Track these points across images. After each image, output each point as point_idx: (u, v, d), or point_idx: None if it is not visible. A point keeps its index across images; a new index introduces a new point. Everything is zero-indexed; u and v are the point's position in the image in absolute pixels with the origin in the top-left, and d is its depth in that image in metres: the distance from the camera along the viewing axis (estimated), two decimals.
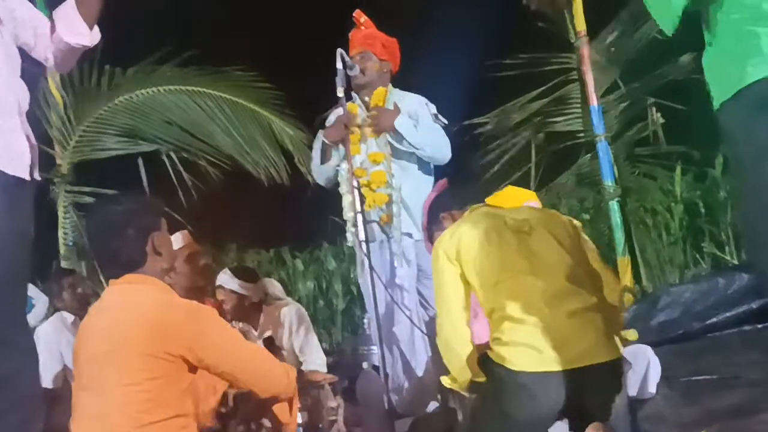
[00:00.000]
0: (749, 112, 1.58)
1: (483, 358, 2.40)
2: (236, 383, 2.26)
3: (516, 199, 2.72)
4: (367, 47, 3.84)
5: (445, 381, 2.59)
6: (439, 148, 3.81)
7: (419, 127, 3.76)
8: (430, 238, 2.89)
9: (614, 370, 2.29)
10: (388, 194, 3.78)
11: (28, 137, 2.35)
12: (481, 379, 2.41)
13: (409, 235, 3.78)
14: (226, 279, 4.03)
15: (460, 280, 2.49)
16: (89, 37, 2.45)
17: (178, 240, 2.95)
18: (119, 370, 2.00)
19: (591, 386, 2.23)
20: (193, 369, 2.09)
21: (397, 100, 3.86)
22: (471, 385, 2.46)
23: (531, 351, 2.22)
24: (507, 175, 6.10)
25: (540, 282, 2.33)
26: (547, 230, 2.49)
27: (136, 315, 2.06)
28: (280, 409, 2.35)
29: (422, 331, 3.64)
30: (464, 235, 2.48)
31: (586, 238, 2.68)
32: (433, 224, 2.88)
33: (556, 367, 2.19)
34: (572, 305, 2.29)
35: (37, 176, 2.36)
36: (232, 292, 4.00)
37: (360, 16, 3.89)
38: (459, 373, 2.46)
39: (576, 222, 2.69)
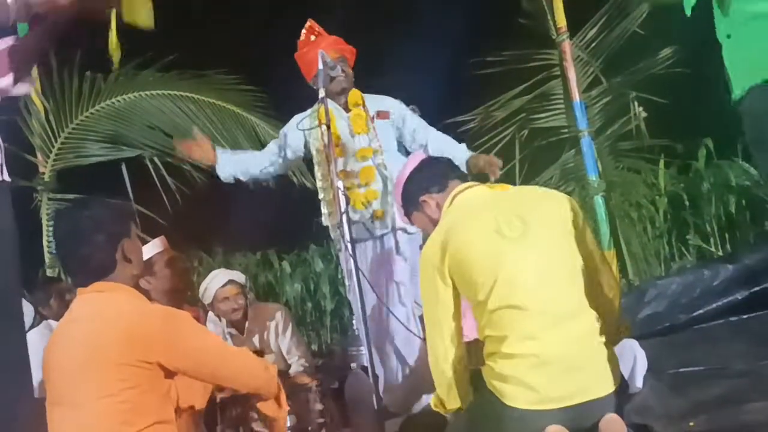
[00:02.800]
0: None
1: (476, 374, 2.33)
2: (216, 383, 2.25)
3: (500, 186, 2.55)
4: (342, 53, 3.88)
5: (433, 401, 2.53)
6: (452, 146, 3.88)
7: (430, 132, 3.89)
8: (408, 214, 2.71)
9: (613, 401, 2.19)
10: (379, 189, 3.78)
11: None
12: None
13: (404, 230, 3.77)
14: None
15: (453, 297, 2.34)
16: (11, 86, 2.15)
17: (156, 245, 2.93)
18: (96, 383, 1.96)
19: (588, 419, 2.16)
20: (170, 374, 2.06)
21: (375, 102, 3.89)
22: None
23: (526, 390, 2.13)
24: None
25: (536, 307, 2.19)
26: (543, 226, 2.30)
27: (109, 324, 2.01)
28: (267, 407, 2.33)
29: (413, 332, 3.63)
30: (456, 249, 2.29)
31: (587, 226, 2.47)
32: (410, 204, 2.66)
33: (553, 405, 2.12)
34: (570, 332, 2.17)
35: (6, 177, 2.25)
36: None
37: (315, 26, 3.92)
38: (447, 400, 2.41)
39: (575, 204, 2.45)
